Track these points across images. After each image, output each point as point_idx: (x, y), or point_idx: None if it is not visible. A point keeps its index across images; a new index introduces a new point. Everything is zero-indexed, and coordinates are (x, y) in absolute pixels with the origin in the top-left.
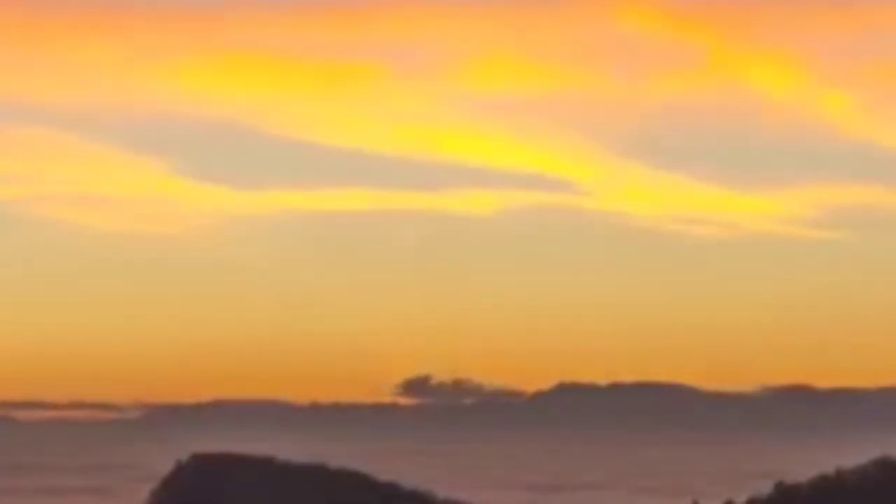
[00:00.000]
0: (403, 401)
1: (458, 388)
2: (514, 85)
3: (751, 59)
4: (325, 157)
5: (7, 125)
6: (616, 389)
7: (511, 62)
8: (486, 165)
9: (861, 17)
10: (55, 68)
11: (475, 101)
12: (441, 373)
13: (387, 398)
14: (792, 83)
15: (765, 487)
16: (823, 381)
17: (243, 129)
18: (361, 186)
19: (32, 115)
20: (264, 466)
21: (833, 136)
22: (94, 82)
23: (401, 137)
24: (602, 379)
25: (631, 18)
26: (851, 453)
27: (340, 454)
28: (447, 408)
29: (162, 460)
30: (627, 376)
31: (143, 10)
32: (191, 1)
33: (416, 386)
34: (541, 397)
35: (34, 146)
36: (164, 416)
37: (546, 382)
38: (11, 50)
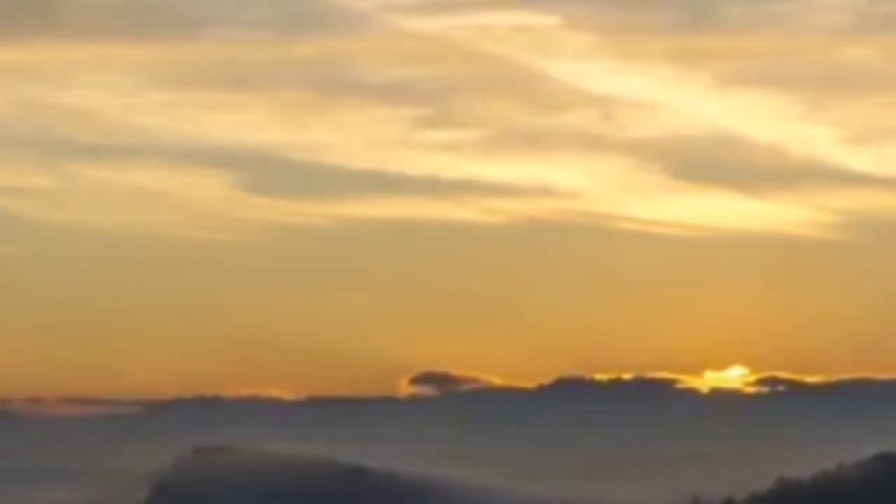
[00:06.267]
0: (406, 395)
1: (461, 382)
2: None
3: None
4: (346, 174)
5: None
6: (616, 385)
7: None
8: (498, 179)
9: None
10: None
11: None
12: (443, 369)
13: (389, 393)
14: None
15: (766, 483)
16: (819, 377)
17: (284, 153)
18: (380, 197)
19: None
20: (264, 461)
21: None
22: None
23: (415, 154)
24: (602, 374)
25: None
26: (852, 448)
27: (342, 448)
28: (449, 402)
29: (163, 455)
30: (628, 372)
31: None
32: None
33: (419, 381)
34: (542, 392)
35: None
36: (165, 411)
37: (547, 377)
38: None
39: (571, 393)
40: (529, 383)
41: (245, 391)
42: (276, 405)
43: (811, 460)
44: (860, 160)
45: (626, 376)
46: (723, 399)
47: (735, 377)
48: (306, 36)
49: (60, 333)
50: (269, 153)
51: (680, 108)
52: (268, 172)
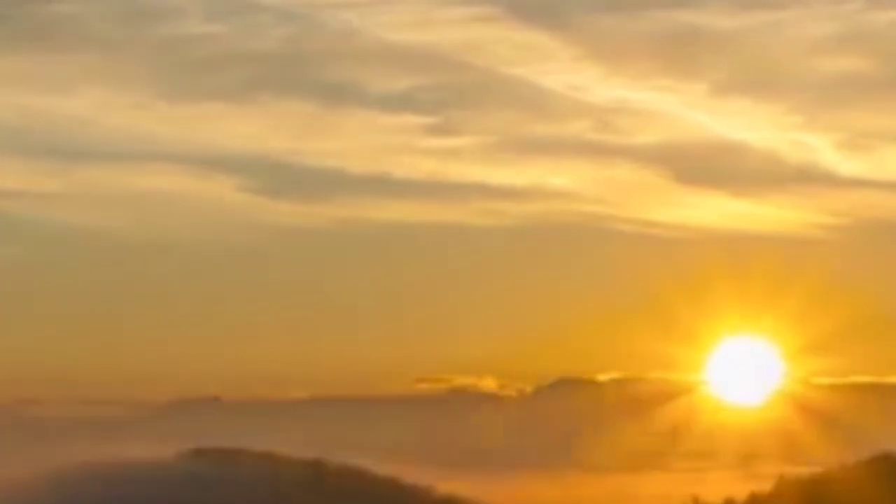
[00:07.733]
0: (407, 396)
1: (462, 383)
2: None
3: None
4: (351, 178)
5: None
6: (616, 385)
7: None
8: (500, 183)
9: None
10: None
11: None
12: (445, 369)
13: (390, 393)
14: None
15: (766, 483)
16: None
17: (291, 157)
18: (384, 200)
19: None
20: (264, 461)
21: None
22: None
23: (419, 159)
24: (602, 375)
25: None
26: (852, 448)
27: (341, 448)
28: (450, 403)
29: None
30: (628, 373)
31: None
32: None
33: (420, 382)
34: (541, 392)
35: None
36: (166, 411)
37: (546, 378)
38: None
39: (571, 394)
40: (529, 384)
41: (245, 391)
42: (277, 405)
43: (811, 460)
44: (854, 164)
45: (626, 377)
46: (721, 399)
47: (734, 377)
48: (312, 45)
49: (62, 334)
50: (275, 158)
51: (678, 115)
52: (274, 176)
